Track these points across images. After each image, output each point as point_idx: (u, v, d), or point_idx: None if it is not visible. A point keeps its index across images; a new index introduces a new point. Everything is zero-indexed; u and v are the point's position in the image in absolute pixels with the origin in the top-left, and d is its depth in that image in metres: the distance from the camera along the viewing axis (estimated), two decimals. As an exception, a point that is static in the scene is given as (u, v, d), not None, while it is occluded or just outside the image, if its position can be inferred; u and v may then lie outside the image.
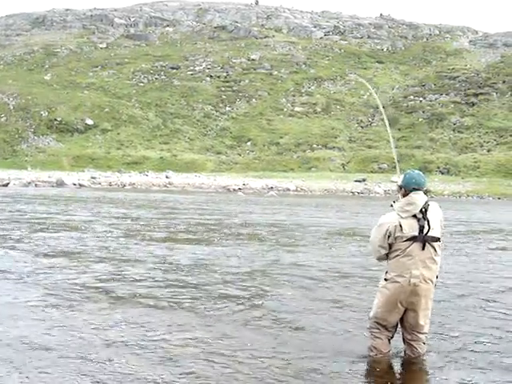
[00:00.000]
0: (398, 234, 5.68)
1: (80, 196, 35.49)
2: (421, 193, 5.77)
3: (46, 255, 11.95)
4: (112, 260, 11.60)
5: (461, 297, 9.04)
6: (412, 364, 5.97)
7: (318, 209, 30.84)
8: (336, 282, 10.07)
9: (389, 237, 5.73)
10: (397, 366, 5.99)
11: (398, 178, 6.06)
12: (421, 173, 5.99)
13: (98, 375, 5.46)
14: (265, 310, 7.96)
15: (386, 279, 5.83)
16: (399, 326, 6.01)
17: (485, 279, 10.63)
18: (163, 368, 5.69)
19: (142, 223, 19.47)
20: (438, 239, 5.74)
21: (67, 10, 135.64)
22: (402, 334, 6.03)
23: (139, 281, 9.60)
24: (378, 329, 5.94)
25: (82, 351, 6.07)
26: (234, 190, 51.30)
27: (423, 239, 5.65)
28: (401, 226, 5.66)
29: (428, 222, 5.67)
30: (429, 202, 5.77)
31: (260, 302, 8.36)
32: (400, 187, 5.90)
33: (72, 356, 5.92)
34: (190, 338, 6.63)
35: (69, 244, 13.74)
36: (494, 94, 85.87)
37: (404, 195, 5.82)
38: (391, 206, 5.88)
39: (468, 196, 55.00)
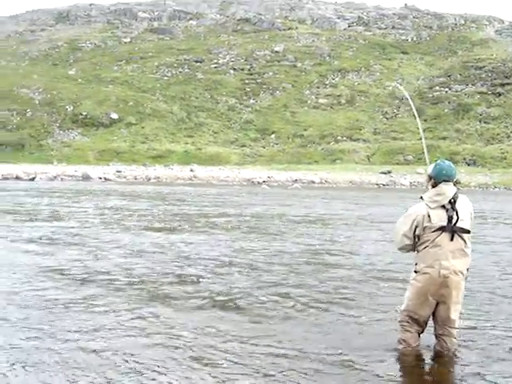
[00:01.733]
0: (426, 224, 5.68)
1: (97, 189, 35.85)
2: (450, 184, 5.75)
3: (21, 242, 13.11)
4: (81, 245, 12.74)
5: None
6: (441, 358, 5.93)
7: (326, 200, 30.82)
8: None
9: (416, 227, 5.73)
10: (426, 360, 5.96)
11: (426, 170, 6.03)
12: (451, 164, 5.94)
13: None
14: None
15: (415, 271, 5.83)
16: (431, 320, 5.97)
17: None
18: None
19: (135, 213, 20.46)
20: (467, 231, 5.71)
21: (91, 4, 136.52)
22: (434, 328, 6.00)
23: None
24: (409, 322, 5.93)
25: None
26: (259, 182, 51.24)
27: (452, 229, 5.63)
28: (429, 216, 5.67)
29: (457, 212, 5.65)
30: (458, 194, 5.73)
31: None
32: (430, 178, 5.87)
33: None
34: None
35: (47, 232, 14.86)
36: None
37: (433, 186, 5.80)
38: (421, 198, 5.84)
39: (495, 187, 54.39)
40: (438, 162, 5.91)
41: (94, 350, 5.97)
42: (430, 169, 5.93)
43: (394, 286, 8.95)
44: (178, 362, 5.76)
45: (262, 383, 5.31)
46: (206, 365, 5.69)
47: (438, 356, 5.95)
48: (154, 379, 5.31)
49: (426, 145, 7.15)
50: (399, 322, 6.05)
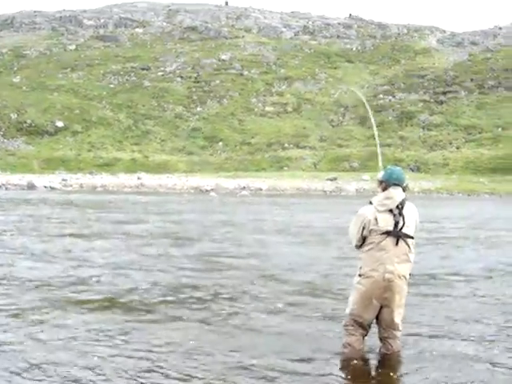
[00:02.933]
0: (372, 227, 5.81)
1: (35, 198, 35.42)
2: (400, 189, 5.91)
3: None
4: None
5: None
6: (387, 360, 6.08)
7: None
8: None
9: (363, 228, 5.85)
10: (372, 363, 6.12)
11: (377, 175, 6.19)
12: (402, 169, 6.15)
13: None
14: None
15: (360, 275, 5.92)
16: (374, 323, 6.11)
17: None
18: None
19: (56, 221, 20.58)
20: (411, 237, 5.85)
21: (36, 11, 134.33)
22: (378, 331, 6.12)
23: None
24: (354, 326, 6.01)
25: None
26: (207, 190, 51.23)
27: (397, 234, 5.75)
28: (376, 219, 5.79)
29: (403, 218, 5.78)
30: (406, 200, 5.88)
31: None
32: (380, 182, 6.03)
33: None
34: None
35: None
36: (462, 92, 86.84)
37: (383, 190, 5.95)
38: (370, 202, 5.96)
39: (438, 193, 55.53)
40: (389, 166, 6.11)
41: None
42: (380, 174, 6.10)
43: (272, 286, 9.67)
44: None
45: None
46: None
47: (383, 359, 6.09)
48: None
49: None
50: (344, 325, 6.11)
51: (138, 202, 33.87)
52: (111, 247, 14.09)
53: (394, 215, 5.76)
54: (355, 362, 5.96)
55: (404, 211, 5.80)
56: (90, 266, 11.36)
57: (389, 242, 5.75)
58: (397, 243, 5.75)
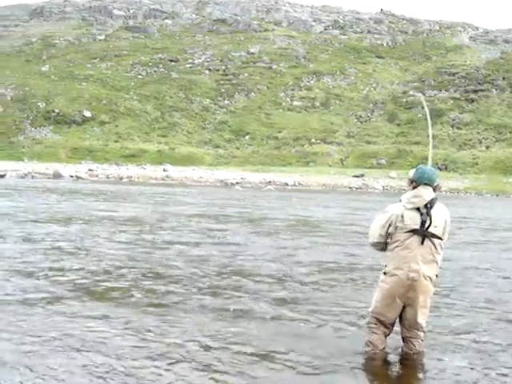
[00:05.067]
0: (398, 224, 5.70)
1: (58, 187, 35.29)
2: (430, 188, 5.76)
3: None
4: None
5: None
6: (409, 360, 5.97)
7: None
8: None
9: (389, 225, 5.76)
10: (394, 362, 5.99)
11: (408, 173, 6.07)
12: (434, 169, 6.00)
13: None
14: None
15: (384, 273, 5.82)
16: (397, 323, 5.98)
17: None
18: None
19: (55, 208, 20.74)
20: (438, 237, 5.70)
21: (66, 1, 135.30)
22: (401, 331, 6.01)
23: None
24: (376, 324, 5.91)
25: None
26: (232, 183, 51.06)
27: (423, 233, 5.63)
28: (402, 216, 5.68)
29: (430, 217, 5.64)
30: (436, 200, 5.74)
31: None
32: (411, 181, 5.89)
33: None
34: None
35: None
36: (494, 90, 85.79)
37: (414, 189, 5.82)
38: (400, 200, 5.86)
39: (466, 192, 54.87)
40: (420, 165, 5.96)
41: None
42: (411, 172, 5.95)
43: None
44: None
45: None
46: None
47: (406, 358, 5.97)
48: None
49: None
50: (367, 323, 6.04)
51: (156, 192, 33.58)
52: (88, 231, 14.11)
53: (422, 214, 5.66)
54: (376, 361, 5.90)
55: (432, 211, 5.68)
56: (57, 252, 11.31)
57: (414, 240, 5.65)
58: (422, 242, 5.65)
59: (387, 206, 5.91)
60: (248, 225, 18.27)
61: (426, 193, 5.70)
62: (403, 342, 6.03)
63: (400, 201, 5.83)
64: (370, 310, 5.98)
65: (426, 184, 5.73)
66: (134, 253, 11.59)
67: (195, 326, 6.75)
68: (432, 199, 5.69)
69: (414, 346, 5.94)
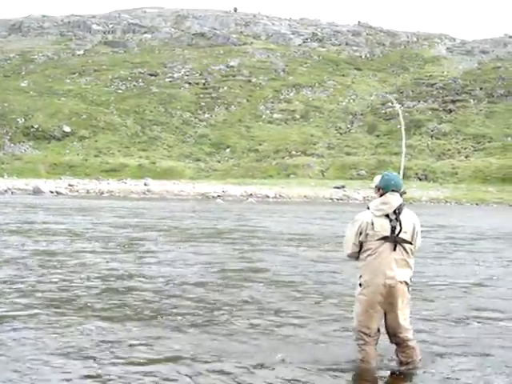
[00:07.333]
0: (369, 231, 5.70)
1: (30, 203, 35.09)
2: (397, 194, 5.80)
3: None
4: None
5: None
6: (406, 365, 5.94)
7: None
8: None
9: (360, 233, 5.75)
10: (388, 371, 5.99)
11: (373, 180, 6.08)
12: (398, 175, 6.05)
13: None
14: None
15: (360, 284, 5.80)
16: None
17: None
18: None
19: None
20: (409, 242, 5.73)
21: (44, 16, 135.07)
22: (389, 338, 5.96)
23: None
24: (363, 339, 5.84)
25: None
26: (213, 197, 51.03)
27: (394, 240, 5.65)
28: (373, 223, 5.68)
29: (400, 223, 5.68)
30: (403, 206, 5.78)
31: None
32: (378, 188, 5.90)
33: None
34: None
35: None
36: (471, 100, 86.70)
37: (380, 196, 5.84)
38: (368, 208, 5.85)
39: (446, 202, 55.23)
40: (386, 172, 6.00)
41: None
42: (377, 179, 5.97)
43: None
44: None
45: None
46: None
47: (402, 363, 5.95)
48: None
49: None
50: (355, 340, 5.95)
51: (123, 206, 33.49)
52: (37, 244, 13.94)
53: (391, 220, 5.69)
54: (372, 376, 5.87)
55: (401, 217, 5.72)
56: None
57: (386, 247, 5.67)
58: (394, 249, 5.67)
59: (355, 216, 5.89)
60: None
61: (393, 199, 5.73)
62: (396, 351, 5.95)
63: (368, 208, 5.83)
64: (354, 326, 5.93)
65: (393, 190, 5.76)
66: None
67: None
68: (400, 205, 5.73)
69: (407, 351, 5.86)
